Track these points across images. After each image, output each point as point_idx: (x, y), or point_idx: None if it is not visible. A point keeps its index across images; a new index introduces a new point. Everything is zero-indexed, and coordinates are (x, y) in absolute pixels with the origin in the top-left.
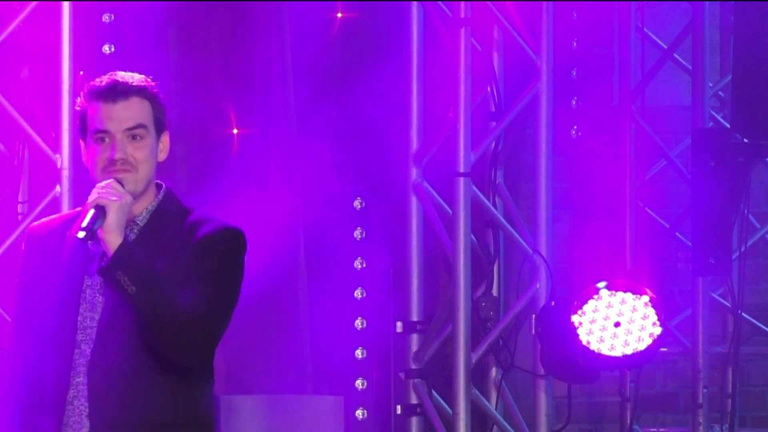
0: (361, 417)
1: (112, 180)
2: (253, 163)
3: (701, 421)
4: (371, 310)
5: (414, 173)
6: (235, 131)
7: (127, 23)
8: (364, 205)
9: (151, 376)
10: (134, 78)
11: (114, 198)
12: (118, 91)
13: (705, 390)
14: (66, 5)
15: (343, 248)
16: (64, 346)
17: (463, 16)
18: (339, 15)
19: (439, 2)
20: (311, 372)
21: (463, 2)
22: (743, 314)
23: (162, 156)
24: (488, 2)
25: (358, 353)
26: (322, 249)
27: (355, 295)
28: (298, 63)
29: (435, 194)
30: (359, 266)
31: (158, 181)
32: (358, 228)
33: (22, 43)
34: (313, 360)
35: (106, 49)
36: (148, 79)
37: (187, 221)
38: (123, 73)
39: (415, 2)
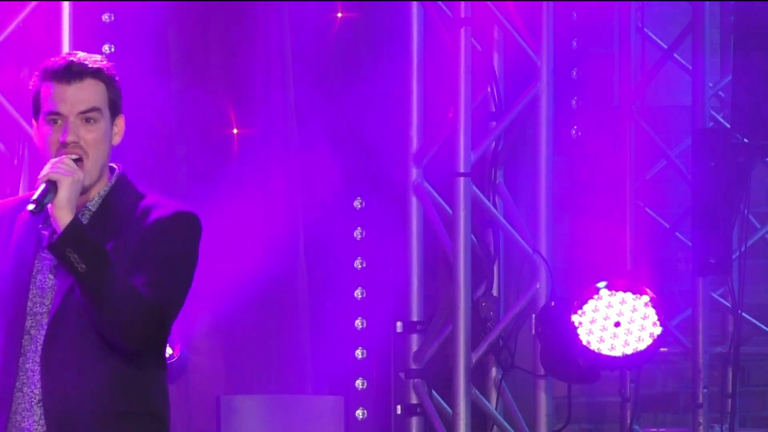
0: (361, 417)
1: (65, 156)
2: (253, 163)
3: (701, 421)
4: (371, 310)
5: (414, 173)
6: (235, 131)
7: (127, 23)
8: (364, 205)
9: (104, 363)
10: (90, 59)
11: (66, 173)
12: (72, 73)
13: (705, 390)
14: (66, 5)
15: (343, 248)
16: (12, 332)
17: (463, 16)
18: (339, 15)
19: (439, 2)
20: (311, 372)
21: (463, 2)
22: (743, 314)
23: (116, 139)
24: (488, 2)
25: (358, 353)
26: (322, 249)
27: (355, 295)
28: (298, 63)
29: (435, 194)
30: (359, 266)
31: (112, 165)
32: (358, 228)
33: (22, 43)
34: (313, 360)
35: (106, 48)
36: (104, 61)
37: (140, 206)
38: (80, 53)
39: (415, 2)
